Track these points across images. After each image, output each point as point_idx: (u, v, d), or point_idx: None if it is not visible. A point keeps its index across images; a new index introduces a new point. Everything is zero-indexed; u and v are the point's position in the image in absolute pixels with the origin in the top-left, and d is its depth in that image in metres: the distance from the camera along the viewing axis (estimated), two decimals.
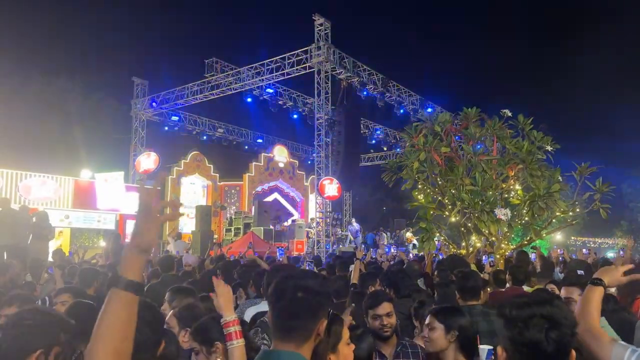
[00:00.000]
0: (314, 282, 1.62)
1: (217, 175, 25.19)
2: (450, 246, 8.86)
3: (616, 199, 10.49)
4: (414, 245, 19.35)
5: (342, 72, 18.79)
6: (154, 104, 23.05)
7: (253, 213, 19.99)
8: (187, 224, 22.36)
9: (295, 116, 22.93)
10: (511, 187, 7.81)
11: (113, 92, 28.55)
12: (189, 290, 3.47)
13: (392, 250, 16.30)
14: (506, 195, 7.83)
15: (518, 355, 1.45)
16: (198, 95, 21.74)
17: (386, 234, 21.99)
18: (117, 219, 19.22)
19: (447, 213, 7.96)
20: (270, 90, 20.86)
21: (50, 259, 9.20)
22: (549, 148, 7.73)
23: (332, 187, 17.89)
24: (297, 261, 10.02)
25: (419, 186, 8.19)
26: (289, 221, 22.10)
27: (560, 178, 7.47)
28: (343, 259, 8.26)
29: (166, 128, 23.86)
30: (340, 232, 20.81)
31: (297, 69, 18.75)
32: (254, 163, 25.05)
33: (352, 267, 5.96)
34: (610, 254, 21.26)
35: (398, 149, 25.67)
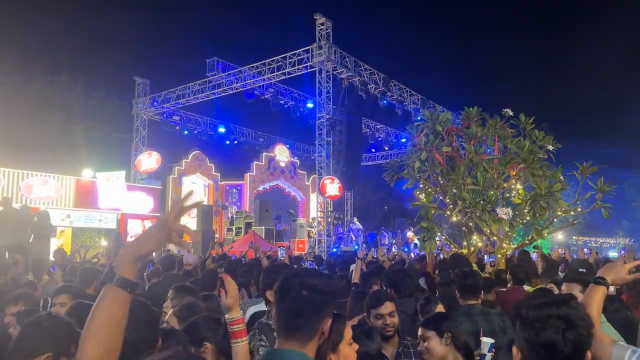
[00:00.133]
0: (319, 281, 1.62)
1: (219, 174, 25.20)
2: (452, 245, 8.85)
3: (618, 199, 10.48)
4: (416, 244, 19.36)
5: (343, 71, 18.78)
6: (155, 103, 23.08)
7: (254, 212, 20.02)
8: (188, 224, 22.28)
9: (296, 116, 22.94)
10: (512, 186, 7.80)
11: (114, 91, 28.57)
12: (190, 290, 3.47)
13: (394, 249, 16.30)
14: (507, 195, 7.83)
15: (534, 355, 1.45)
16: (199, 95, 21.76)
17: (387, 233, 22.00)
18: (118, 218, 19.23)
19: (448, 212, 7.96)
20: (272, 90, 20.87)
21: (51, 258, 9.22)
22: (550, 147, 7.72)
23: (333, 187, 17.89)
24: (298, 261, 10.00)
25: (421, 185, 8.18)
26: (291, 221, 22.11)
27: (561, 177, 7.46)
28: (344, 258, 8.25)
29: (167, 127, 23.88)
30: (341, 231, 20.82)
31: (298, 69, 18.75)
32: (255, 162, 25.06)
33: (353, 267, 5.96)
34: (612, 254, 21.23)
35: (399, 149, 25.65)
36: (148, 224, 20.60)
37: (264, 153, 25.72)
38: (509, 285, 5.41)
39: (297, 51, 18.56)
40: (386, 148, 27.48)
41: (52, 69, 27.25)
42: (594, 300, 2.04)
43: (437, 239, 7.94)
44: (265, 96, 20.98)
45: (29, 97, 24.84)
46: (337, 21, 18.27)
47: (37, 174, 17.25)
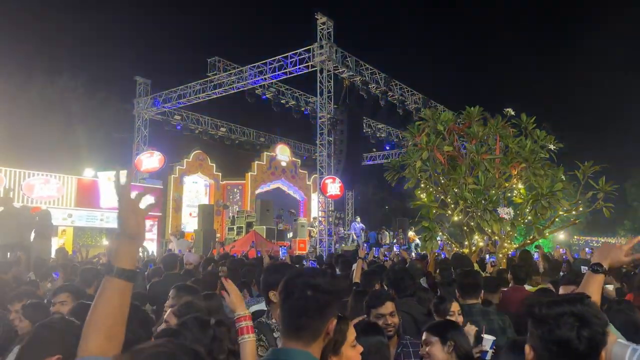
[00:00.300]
0: (324, 281, 1.62)
1: (220, 174, 25.22)
2: (453, 245, 8.85)
3: (619, 198, 10.46)
4: (417, 244, 19.36)
5: (344, 71, 18.77)
6: (156, 103, 23.08)
7: (255, 212, 20.01)
8: (190, 223, 22.40)
9: (297, 115, 22.93)
10: (514, 186, 7.80)
11: (116, 91, 28.70)
12: (192, 289, 3.47)
13: (395, 249, 16.29)
14: (509, 194, 7.83)
15: (547, 354, 1.43)
16: (200, 94, 21.76)
17: (389, 233, 21.99)
18: None
19: (449, 212, 7.96)
20: (273, 89, 20.85)
21: (52, 256, 9.23)
22: (551, 147, 7.72)
23: (334, 186, 17.88)
24: (299, 260, 10.00)
25: (422, 185, 8.18)
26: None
27: (563, 177, 7.47)
28: (345, 258, 8.24)
29: (168, 127, 23.89)
30: (342, 231, 20.82)
31: (299, 68, 18.74)
32: (256, 162, 25.07)
33: (354, 266, 5.95)
34: None
35: (400, 148, 25.65)
36: (148, 223, 20.64)
37: (265, 153, 25.73)
38: (510, 285, 5.41)
39: (298, 51, 18.55)
40: (387, 147, 27.47)
41: (54, 69, 27.36)
42: (592, 289, 1.98)
43: (438, 238, 7.95)
44: (266, 96, 20.97)
45: (31, 96, 24.88)
46: (338, 21, 18.26)
47: (38, 174, 17.27)
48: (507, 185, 7.80)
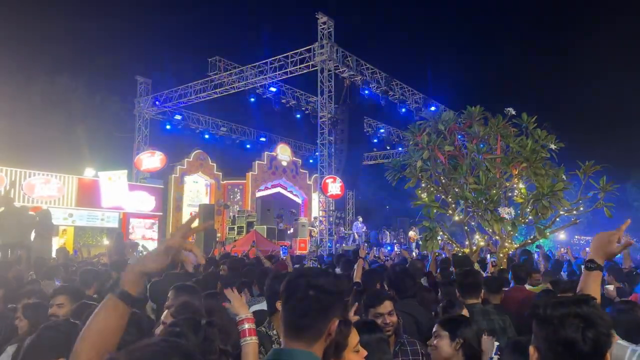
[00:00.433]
0: (326, 281, 1.61)
1: (220, 173, 25.21)
2: (454, 245, 8.84)
3: (620, 198, 10.44)
4: (417, 244, 19.35)
5: (345, 70, 18.77)
6: (157, 102, 23.10)
7: (256, 211, 20.03)
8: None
9: (298, 115, 22.94)
10: (515, 185, 7.79)
11: (116, 90, 28.57)
12: (191, 289, 3.45)
13: (396, 249, 16.30)
14: (510, 194, 7.81)
15: (551, 354, 1.43)
16: (201, 94, 21.78)
17: (389, 232, 22.00)
18: (120, 217, 19.27)
19: (450, 212, 7.95)
20: (274, 89, 20.86)
21: (53, 256, 9.24)
22: (553, 146, 7.69)
23: (335, 186, 17.88)
24: (300, 260, 10.01)
25: (423, 185, 8.17)
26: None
27: (564, 177, 7.44)
28: (347, 257, 8.23)
29: (169, 127, 23.91)
30: (343, 230, 20.82)
31: (300, 68, 18.74)
32: (257, 162, 25.06)
33: (355, 266, 5.94)
34: None
35: (401, 148, 25.64)
36: (149, 223, 20.66)
37: (266, 152, 25.72)
38: (511, 284, 5.40)
39: (299, 50, 18.55)
40: (388, 147, 27.46)
41: (54, 68, 27.34)
42: (592, 287, 1.98)
43: (439, 238, 7.94)
44: (267, 95, 20.97)
45: (31, 96, 24.87)
46: (338, 20, 18.27)
47: (39, 173, 17.29)
48: (508, 184, 7.78)
